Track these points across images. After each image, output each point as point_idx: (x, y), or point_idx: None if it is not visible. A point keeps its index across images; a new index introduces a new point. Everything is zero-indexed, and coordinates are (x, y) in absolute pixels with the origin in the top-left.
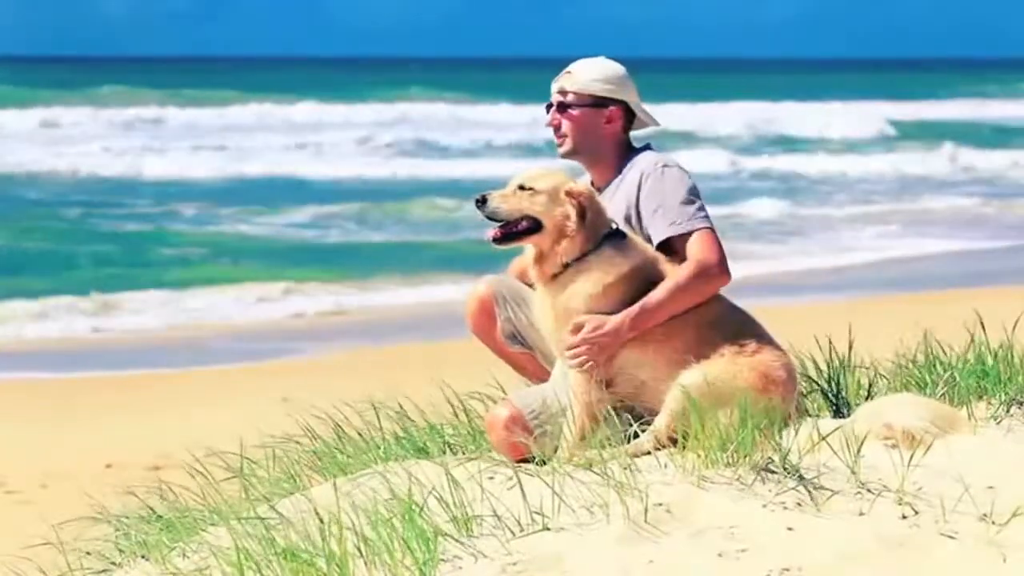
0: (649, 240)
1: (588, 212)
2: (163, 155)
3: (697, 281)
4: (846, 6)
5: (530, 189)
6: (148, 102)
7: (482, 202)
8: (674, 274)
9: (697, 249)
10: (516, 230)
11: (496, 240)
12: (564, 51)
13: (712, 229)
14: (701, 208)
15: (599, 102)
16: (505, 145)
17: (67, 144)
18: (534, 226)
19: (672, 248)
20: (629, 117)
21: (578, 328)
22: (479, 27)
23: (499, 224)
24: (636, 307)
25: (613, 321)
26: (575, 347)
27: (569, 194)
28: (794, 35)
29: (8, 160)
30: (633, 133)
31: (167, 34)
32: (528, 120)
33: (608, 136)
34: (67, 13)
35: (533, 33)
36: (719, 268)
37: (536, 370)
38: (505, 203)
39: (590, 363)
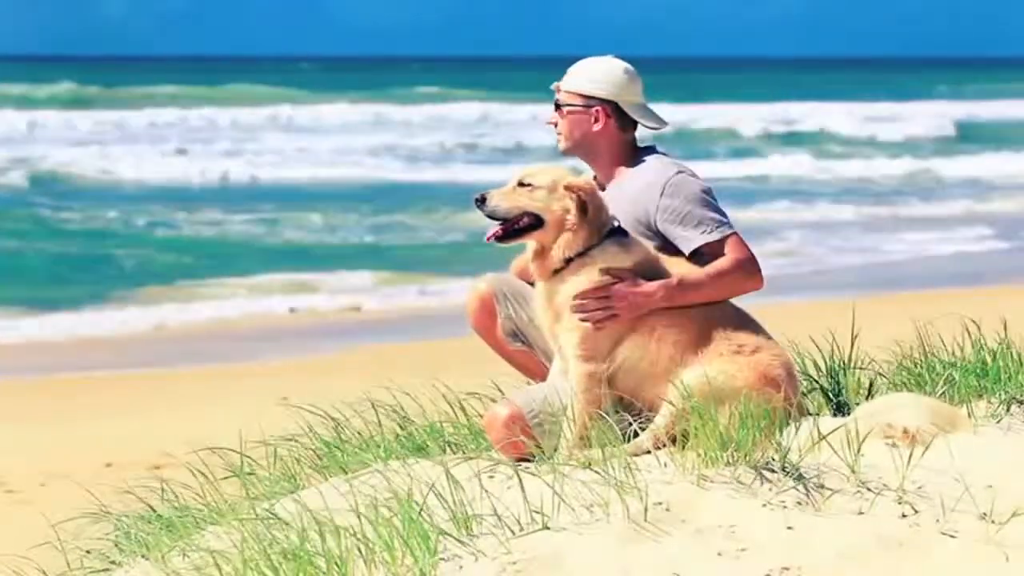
0: (663, 247)
1: (589, 206)
2: (163, 157)
3: (738, 274)
4: (845, 5)
5: (529, 185)
6: (143, 103)
7: (481, 201)
8: (715, 264)
9: (733, 251)
10: (517, 227)
11: (498, 238)
12: (564, 51)
13: (739, 233)
14: (723, 213)
15: (586, 102)
16: (508, 146)
17: (71, 145)
18: (535, 222)
19: (701, 256)
20: (621, 117)
21: (615, 279)
22: (478, 27)
23: (500, 222)
24: (675, 279)
25: (649, 284)
26: (606, 297)
27: (568, 188)
28: (795, 34)
29: (5, 161)
30: (657, 134)
31: (165, 34)
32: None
33: (600, 135)
34: (66, 13)
35: (532, 32)
36: (757, 269)
37: (536, 368)
38: (504, 201)
39: (614, 317)
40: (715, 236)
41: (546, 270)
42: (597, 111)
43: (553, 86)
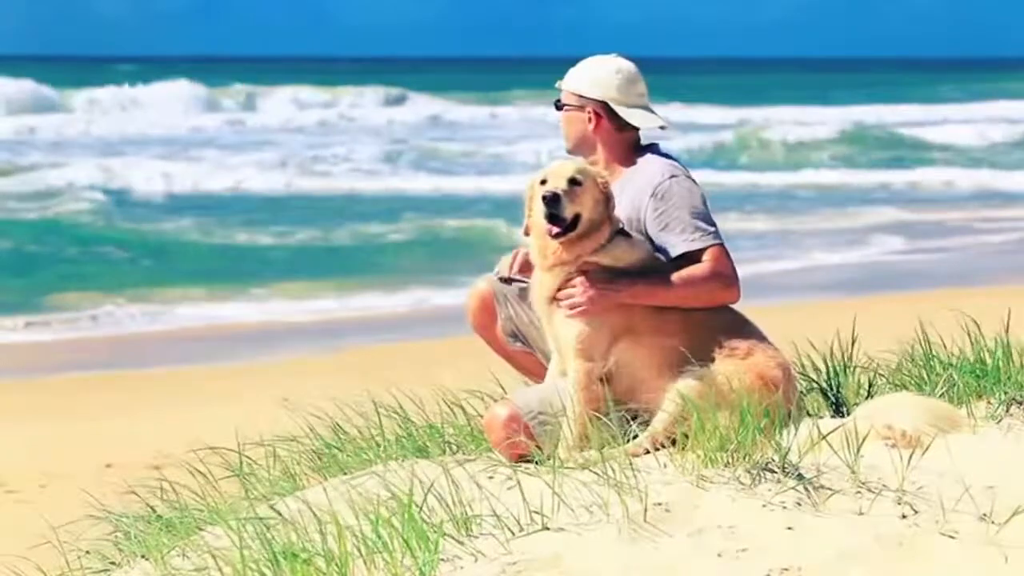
0: (657, 250)
1: (611, 201)
2: (165, 161)
3: (711, 283)
4: (845, 5)
5: (580, 184)
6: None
7: (554, 201)
8: (690, 269)
9: (713, 261)
10: (568, 224)
11: (555, 236)
12: (564, 51)
13: (724, 245)
14: (712, 222)
15: (580, 101)
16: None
17: (80, 151)
18: (576, 219)
19: (685, 262)
20: (614, 118)
21: (583, 273)
22: (478, 27)
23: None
24: (642, 279)
25: (617, 280)
26: (573, 287)
27: (605, 186)
28: (796, 34)
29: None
30: (664, 134)
31: (165, 33)
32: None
33: (596, 135)
34: (64, 12)
35: (533, 32)
36: (735, 282)
37: (536, 368)
38: (569, 204)
39: (580, 309)
40: (698, 245)
41: (557, 260)
42: (589, 111)
43: (557, 85)
